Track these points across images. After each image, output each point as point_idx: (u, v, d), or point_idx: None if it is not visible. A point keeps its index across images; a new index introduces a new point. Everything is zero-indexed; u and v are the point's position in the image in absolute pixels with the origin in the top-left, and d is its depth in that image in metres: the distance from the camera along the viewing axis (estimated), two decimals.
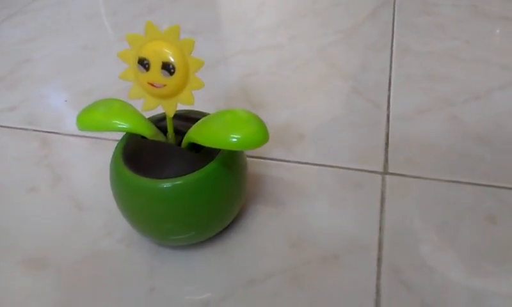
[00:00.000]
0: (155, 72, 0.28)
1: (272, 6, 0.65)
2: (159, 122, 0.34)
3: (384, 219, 0.35)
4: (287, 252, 0.33)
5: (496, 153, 0.39)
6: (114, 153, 0.33)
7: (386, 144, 0.41)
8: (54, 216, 0.37)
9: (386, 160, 0.39)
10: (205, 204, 0.31)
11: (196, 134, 0.30)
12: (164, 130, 0.33)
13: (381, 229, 0.34)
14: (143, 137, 0.32)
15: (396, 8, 0.60)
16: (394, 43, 0.54)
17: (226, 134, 0.29)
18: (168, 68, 0.28)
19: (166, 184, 0.30)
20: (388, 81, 0.48)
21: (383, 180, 0.37)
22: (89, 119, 0.33)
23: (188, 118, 0.33)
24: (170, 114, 0.30)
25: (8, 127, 0.47)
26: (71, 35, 0.63)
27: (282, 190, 0.37)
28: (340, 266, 0.32)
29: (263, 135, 0.28)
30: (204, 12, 0.65)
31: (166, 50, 0.28)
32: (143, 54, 0.28)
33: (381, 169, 0.38)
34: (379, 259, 0.32)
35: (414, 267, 0.31)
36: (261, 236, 0.34)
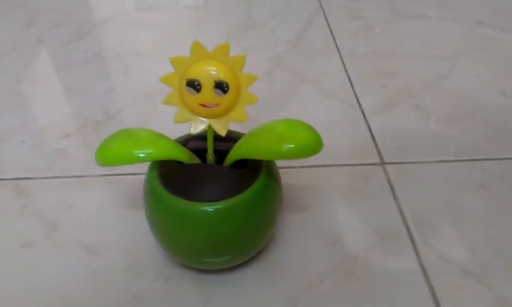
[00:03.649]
0: (208, 92, 0.28)
1: (210, 23, 0.65)
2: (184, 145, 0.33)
3: (400, 203, 0.38)
4: (330, 251, 0.34)
5: (462, 131, 0.45)
6: (149, 180, 0.31)
7: (373, 137, 0.44)
8: (67, 269, 0.34)
9: (379, 151, 0.43)
10: (258, 219, 0.31)
11: (245, 149, 0.30)
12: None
13: (401, 213, 0.37)
14: (179, 162, 0.31)
15: (327, 15, 0.65)
16: (339, 47, 0.58)
17: (280, 144, 0.29)
18: (221, 87, 0.28)
19: (223, 205, 0.29)
20: (349, 82, 0.52)
21: (384, 169, 0.41)
22: (118, 152, 0.30)
23: (217, 138, 0.33)
24: (223, 133, 0.29)
25: None
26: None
27: (301, 196, 0.39)
28: (381, 254, 0.34)
29: (317, 142, 0.29)
30: (143, 34, 0.63)
31: (218, 69, 0.27)
32: (193, 76, 0.28)
33: (378, 161, 0.42)
34: (412, 240, 0.35)
35: (445, 241, 0.35)
36: (300, 243, 0.35)
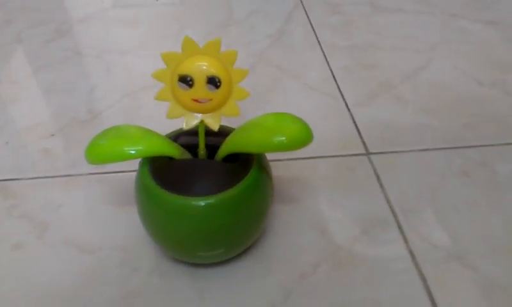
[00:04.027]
0: (200, 88, 0.28)
1: (190, 19, 0.65)
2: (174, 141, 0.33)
3: (386, 192, 0.39)
4: (321, 241, 0.35)
5: (442, 120, 0.46)
6: (140, 176, 0.31)
7: (357, 129, 0.45)
8: (60, 268, 0.33)
9: (363, 142, 0.44)
10: (251, 213, 0.31)
11: (236, 143, 0.30)
12: None
13: (388, 201, 0.38)
14: (170, 158, 0.31)
15: (307, 10, 0.65)
16: (320, 41, 0.59)
17: (271, 137, 0.29)
18: (214, 82, 0.28)
19: (216, 199, 0.29)
20: (331, 75, 0.53)
21: (369, 159, 0.42)
22: (108, 149, 0.30)
23: (208, 133, 0.33)
24: (215, 127, 0.29)
25: None
26: None
27: (290, 187, 0.39)
28: (371, 241, 0.35)
29: (308, 134, 0.30)
30: (123, 32, 0.63)
31: (210, 64, 0.28)
32: (185, 71, 0.28)
33: (363, 151, 0.43)
34: (399, 228, 0.36)
35: (431, 227, 0.36)
36: (291, 234, 0.36)
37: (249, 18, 0.64)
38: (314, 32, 0.61)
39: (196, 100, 0.28)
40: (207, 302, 0.31)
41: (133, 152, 0.30)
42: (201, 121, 0.30)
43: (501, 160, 0.41)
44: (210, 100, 0.28)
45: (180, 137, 0.33)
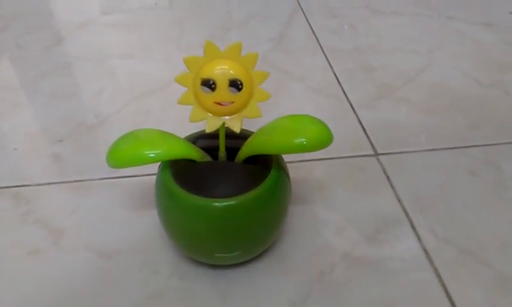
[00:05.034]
0: (223, 91, 0.28)
1: (191, 25, 0.65)
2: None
3: (397, 191, 0.39)
4: (337, 240, 0.36)
5: (446, 121, 0.47)
6: (162, 179, 0.31)
7: (364, 130, 0.46)
8: (78, 273, 0.33)
9: (371, 143, 0.44)
10: (273, 212, 0.32)
11: (257, 145, 0.31)
12: None
13: (399, 200, 0.39)
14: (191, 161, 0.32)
15: (306, 14, 0.66)
16: (322, 45, 0.59)
17: (292, 138, 0.30)
18: (236, 85, 0.28)
19: (240, 200, 0.29)
20: (335, 78, 0.53)
21: (378, 160, 0.43)
22: (130, 153, 0.30)
23: (227, 136, 0.33)
24: (237, 129, 0.30)
25: None
26: None
27: (301, 189, 0.40)
28: (385, 240, 0.36)
29: (328, 135, 0.30)
30: (125, 36, 0.63)
31: (232, 68, 0.28)
32: (207, 75, 0.28)
33: (372, 152, 0.43)
34: (412, 226, 0.37)
35: (442, 224, 0.37)
36: (307, 234, 0.36)
37: (248, 22, 0.65)
38: (315, 35, 0.62)
39: (218, 103, 0.29)
40: (229, 302, 0.31)
41: (153, 155, 0.30)
42: (223, 124, 0.30)
43: (505, 159, 0.42)
44: (232, 102, 0.29)
45: (198, 141, 0.33)
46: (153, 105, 0.49)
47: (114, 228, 0.37)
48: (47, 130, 0.46)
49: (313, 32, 0.62)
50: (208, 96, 0.29)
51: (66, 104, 0.50)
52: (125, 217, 0.37)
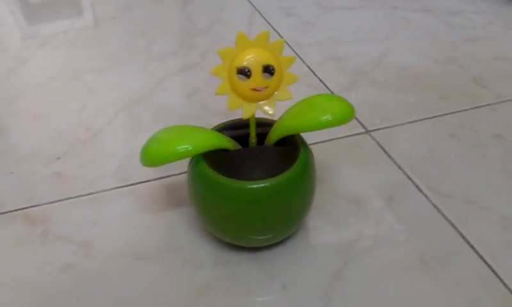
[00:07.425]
0: (258, 77, 0.30)
1: (156, 35, 0.65)
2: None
3: (397, 161, 0.43)
4: (355, 210, 0.38)
5: (416, 96, 0.52)
6: (198, 170, 0.32)
7: None
8: (121, 280, 0.33)
9: (360, 122, 0.48)
10: (308, 188, 0.34)
11: (286, 127, 0.33)
12: None
13: (400, 168, 0.42)
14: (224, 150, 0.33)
15: (264, 16, 0.69)
16: (287, 41, 0.62)
17: (319, 116, 0.32)
18: (269, 70, 0.30)
19: (279, 180, 0.31)
20: (309, 70, 0.57)
21: (371, 136, 0.46)
22: (167, 150, 0.31)
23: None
24: (273, 112, 0.31)
25: None
26: None
27: None
28: (400, 203, 0.39)
29: (350, 109, 0.33)
30: (92, 52, 0.62)
31: (264, 55, 0.30)
32: (242, 64, 0.30)
33: (363, 130, 0.47)
34: (418, 188, 0.40)
35: (442, 182, 0.41)
36: (330, 208, 0.38)
37: (212, 26, 0.67)
38: (278, 33, 0.65)
39: (254, 89, 0.30)
40: (277, 279, 0.33)
41: (191, 149, 0.31)
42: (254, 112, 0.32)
43: (476, 121, 0.48)
44: (267, 87, 0.31)
45: (223, 132, 0.35)
46: (143, 113, 0.49)
47: (142, 231, 0.37)
48: (41, 150, 0.45)
49: (275, 31, 0.65)
50: (245, 84, 0.30)
51: (52, 123, 0.48)
52: (150, 220, 0.37)
